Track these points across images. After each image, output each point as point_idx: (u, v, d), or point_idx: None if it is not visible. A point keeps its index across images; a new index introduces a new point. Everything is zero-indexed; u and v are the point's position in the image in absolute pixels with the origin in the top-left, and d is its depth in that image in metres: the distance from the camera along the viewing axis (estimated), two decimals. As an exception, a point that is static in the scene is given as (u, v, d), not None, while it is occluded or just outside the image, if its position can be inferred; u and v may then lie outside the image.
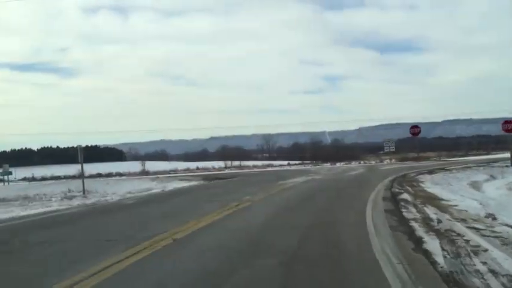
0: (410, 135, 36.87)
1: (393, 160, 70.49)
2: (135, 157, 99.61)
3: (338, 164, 62.55)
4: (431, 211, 8.61)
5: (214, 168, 59.57)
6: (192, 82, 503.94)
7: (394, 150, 37.51)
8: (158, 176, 37.89)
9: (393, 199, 11.14)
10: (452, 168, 22.71)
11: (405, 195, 11.72)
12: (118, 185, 33.78)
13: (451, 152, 79.27)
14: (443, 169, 22.80)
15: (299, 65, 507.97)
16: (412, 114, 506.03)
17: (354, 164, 60.34)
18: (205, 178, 29.43)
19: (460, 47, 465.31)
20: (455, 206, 9.17)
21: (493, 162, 28.20)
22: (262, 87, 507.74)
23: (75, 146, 23.26)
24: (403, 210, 9.00)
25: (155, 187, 24.94)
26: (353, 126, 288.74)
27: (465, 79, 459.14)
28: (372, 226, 7.17)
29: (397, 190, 13.34)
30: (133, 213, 11.38)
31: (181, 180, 29.31)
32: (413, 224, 7.17)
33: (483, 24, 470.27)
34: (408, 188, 13.94)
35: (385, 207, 9.54)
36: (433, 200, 10.49)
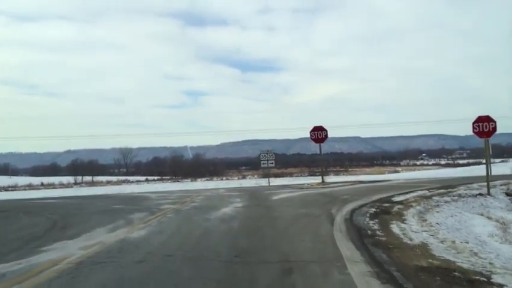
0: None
1: (256, 176, 61.35)
2: (-29, 171, 75.87)
3: (199, 181, 51.02)
4: None
5: (61, 185, 51.43)
6: (49, 92, 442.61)
7: (273, 165, 26.28)
8: None
9: None
10: (409, 202, 11.84)
11: None
12: None
13: (310, 168, 77.50)
14: (387, 202, 11.77)
15: (162, 79, 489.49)
16: (271, 131, 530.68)
17: (217, 181, 48.44)
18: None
19: (313, 68, 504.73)
20: None
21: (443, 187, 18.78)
22: (123, 99, 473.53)
23: None
24: None
25: None
26: (215, 142, 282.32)
27: (318, 99, 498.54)
28: None
29: None
30: None
31: None
32: None
33: (335, 49, 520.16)
34: None
35: None
36: None
